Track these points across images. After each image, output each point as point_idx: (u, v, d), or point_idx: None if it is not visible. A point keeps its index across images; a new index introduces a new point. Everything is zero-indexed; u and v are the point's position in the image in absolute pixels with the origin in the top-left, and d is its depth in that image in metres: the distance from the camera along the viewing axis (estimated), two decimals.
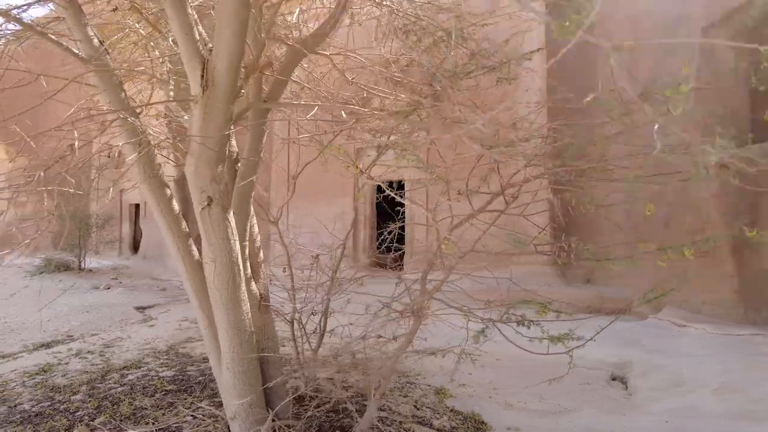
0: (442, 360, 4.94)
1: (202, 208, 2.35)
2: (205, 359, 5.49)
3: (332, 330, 4.07)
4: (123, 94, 2.82)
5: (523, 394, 4.60)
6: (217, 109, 2.19)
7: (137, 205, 17.91)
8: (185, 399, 4.02)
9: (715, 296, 5.79)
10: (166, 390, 4.42)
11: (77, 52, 2.65)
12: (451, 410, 4.12)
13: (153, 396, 4.28)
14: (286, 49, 2.92)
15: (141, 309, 9.29)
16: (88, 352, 6.02)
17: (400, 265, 11.88)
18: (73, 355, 5.91)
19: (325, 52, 3.07)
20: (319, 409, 3.35)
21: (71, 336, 7.11)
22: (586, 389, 4.80)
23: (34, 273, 12.65)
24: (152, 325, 7.57)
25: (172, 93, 3.53)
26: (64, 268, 13.08)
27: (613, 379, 5.24)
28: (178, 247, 2.83)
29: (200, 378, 4.78)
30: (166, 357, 5.68)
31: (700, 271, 6.30)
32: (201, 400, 3.92)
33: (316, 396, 3.30)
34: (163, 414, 3.66)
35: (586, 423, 3.92)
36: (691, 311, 6.52)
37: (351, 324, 4.27)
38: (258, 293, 3.03)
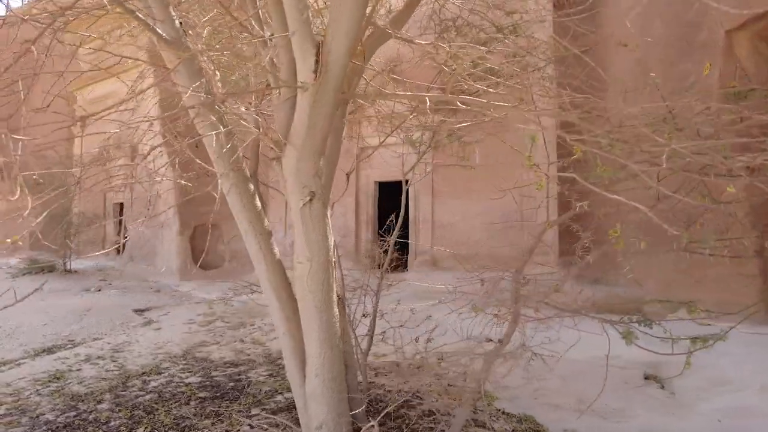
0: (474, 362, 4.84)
1: (303, 204, 2.17)
2: (228, 364, 5.26)
3: (384, 332, 3.93)
4: (204, 80, 2.61)
5: (564, 395, 4.54)
6: (328, 97, 2.02)
7: (121, 204, 17.28)
8: (228, 407, 3.79)
9: (737, 297, 5.85)
10: (199, 397, 4.19)
11: (161, 33, 2.43)
12: (503, 413, 4.02)
13: (188, 404, 4.04)
14: (369, 33, 2.75)
15: (139, 311, 8.91)
16: (98, 357, 5.69)
17: (398, 265, 11.76)
18: (82, 360, 5.58)
19: (405, 36, 2.91)
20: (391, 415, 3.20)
21: (72, 341, 6.73)
22: (626, 389, 4.76)
23: (16, 274, 12.02)
24: (158, 329, 7.24)
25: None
26: (49, 269, 12.47)
27: (646, 378, 5.23)
28: (259, 246, 2.64)
29: (231, 384, 4.55)
30: (184, 362, 5.41)
31: (719, 271, 6.37)
32: (249, 408, 3.71)
33: (382, 402, 3.15)
34: (213, 424, 3.43)
35: (641, 424, 3.88)
36: (711, 311, 6.57)
37: (401, 326, 4.13)
38: (336, 293, 2.86)
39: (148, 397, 4.28)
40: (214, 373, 4.94)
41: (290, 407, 3.59)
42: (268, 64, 2.77)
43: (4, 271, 13.13)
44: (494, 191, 10.16)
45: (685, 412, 4.14)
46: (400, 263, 11.30)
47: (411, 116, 4.61)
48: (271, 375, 4.76)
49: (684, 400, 4.39)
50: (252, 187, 2.74)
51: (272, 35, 2.61)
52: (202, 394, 4.27)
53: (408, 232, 12.24)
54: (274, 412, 3.47)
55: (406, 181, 11.30)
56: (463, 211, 10.28)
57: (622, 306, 8.18)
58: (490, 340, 3.86)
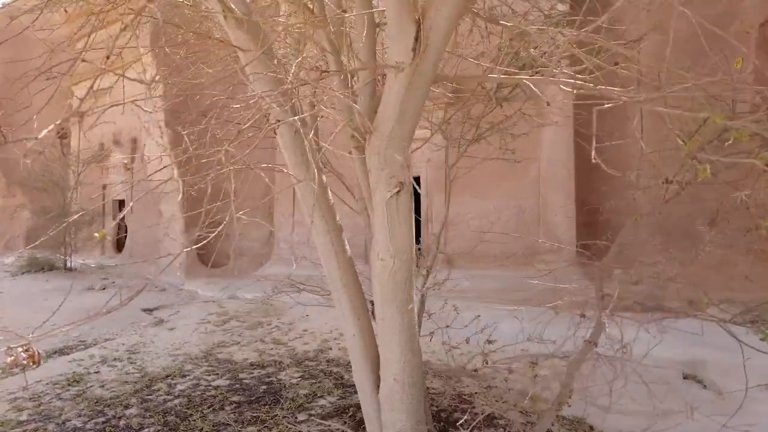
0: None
1: (390, 196, 1.98)
2: (253, 365, 5.05)
3: (431, 333, 3.74)
4: (276, 62, 2.40)
5: (607, 395, 4.39)
6: (424, 78, 1.82)
7: (120, 201, 16.94)
8: (269, 412, 3.59)
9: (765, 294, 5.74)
10: (233, 401, 3.98)
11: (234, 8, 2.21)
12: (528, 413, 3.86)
13: (222, 409, 3.83)
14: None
15: (148, 311, 8.67)
16: (115, 359, 5.46)
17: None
18: (99, 362, 5.34)
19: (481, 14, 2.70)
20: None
21: (84, 341, 6.49)
22: (669, 389, 4.62)
23: (16, 273, 11.69)
24: (172, 329, 7.00)
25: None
26: (49, 267, 12.15)
27: (685, 378, 5.10)
28: (331, 242, 2.44)
29: (263, 387, 4.34)
30: (207, 363, 5.20)
31: (746, 269, 6.25)
32: (293, 413, 3.51)
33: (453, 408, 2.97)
34: (259, 430, 3.23)
35: (700, 426, 3.73)
36: (738, 310, 6.47)
37: (447, 326, 3.94)
38: None
39: (177, 401, 4.06)
40: (241, 375, 4.73)
41: (339, 412, 3.40)
42: (327, 45, 2.57)
43: (1, 270, 12.79)
44: (509, 188, 10.02)
45: (740, 414, 4.00)
46: None
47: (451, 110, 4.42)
48: (303, 377, 4.56)
49: (735, 401, 4.25)
50: (325, 179, 2.55)
51: (341, 12, 2.41)
52: (234, 398, 4.06)
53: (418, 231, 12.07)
54: (323, 417, 3.28)
55: (416, 179, 11.13)
56: (477, 209, 10.12)
57: (644, 304, 8.05)
58: (540, 340, 3.70)
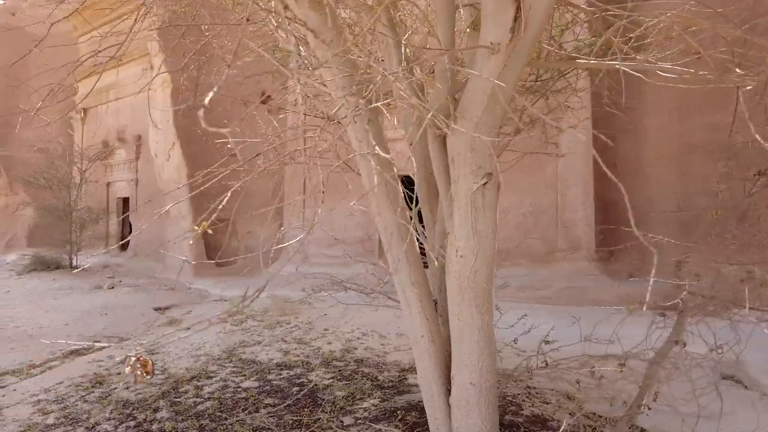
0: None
1: (476, 188, 1.84)
2: (280, 366, 4.90)
3: None
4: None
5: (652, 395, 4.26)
6: (520, 60, 1.68)
7: (125, 199, 16.74)
8: (311, 414, 3.44)
9: None
10: (267, 404, 3.83)
11: None
12: (600, 416, 3.72)
13: (257, 412, 3.68)
14: None
15: (160, 310, 8.51)
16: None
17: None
18: (119, 363, 5.18)
19: None
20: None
21: (98, 341, 6.33)
22: (710, 389, 4.50)
23: (21, 272, 11.50)
24: (188, 328, 6.85)
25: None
26: (55, 266, 11.97)
27: (723, 378, 4.97)
28: (402, 237, 2.29)
29: (294, 388, 4.19)
30: (231, 364, 5.05)
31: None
32: (337, 416, 3.36)
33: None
34: None
35: (746, 426, 3.61)
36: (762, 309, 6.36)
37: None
38: None
39: (207, 404, 3.91)
40: (269, 377, 4.58)
41: (386, 415, 3.25)
42: (386, 26, 2.43)
43: (5, 269, 12.60)
44: (525, 185, 9.87)
45: None
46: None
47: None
48: (335, 378, 4.42)
49: None
50: (395, 170, 2.40)
51: None
52: (268, 401, 3.92)
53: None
54: (371, 421, 3.14)
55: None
56: None
57: (665, 302, 7.92)
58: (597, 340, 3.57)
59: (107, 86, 17.18)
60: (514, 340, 3.56)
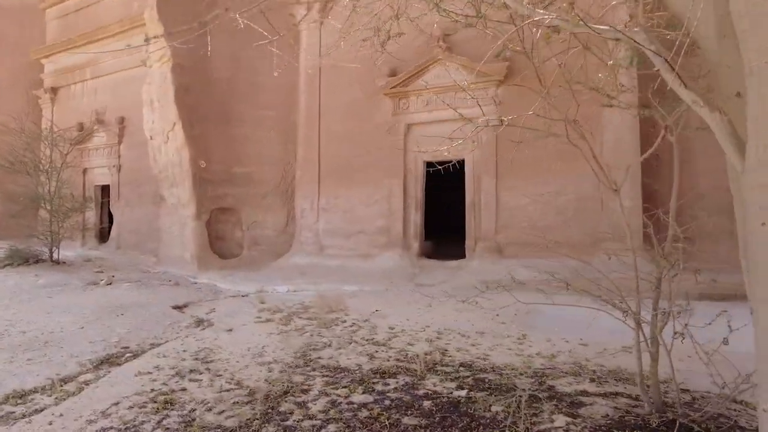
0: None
1: None
2: (377, 372, 4.13)
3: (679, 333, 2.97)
4: None
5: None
6: None
7: (104, 187, 15.22)
8: None
9: None
10: (411, 425, 3.08)
11: None
12: None
13: None
14: None
15: (179, 308, 7.49)
16: (192, 370, 4.40)
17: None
18: (173, 375, 4.28)
19: None
20: None
21: (127, 347, 5.34)
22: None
23: None
24: (229, 330, 5.94)
25: None
26: (34, 259, 10.58)
27: None
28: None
29: (425, 403, 3.44)
30: (317, 373, 4.24)
31: None
32: None
33: None
34: None
35: None
36: None
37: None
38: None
39: (331, 428, 3.12)
40: (377, 387, 3.82)
41: None
42: None
43: None
44: (567, 171, 9.31)
45: None
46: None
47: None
48: (459, 386, 3.70)
49: None
50: None
51: None
52: (407, 421, 3.16)
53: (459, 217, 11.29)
54: None
55: (459, 163, 10.27)
56: (531, 194, 9.44)
57: (721, 293, 7.62)
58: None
59: (82, 64, 15.54)
60: (724, 341, 2.96)
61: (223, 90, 11.14)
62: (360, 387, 3.83)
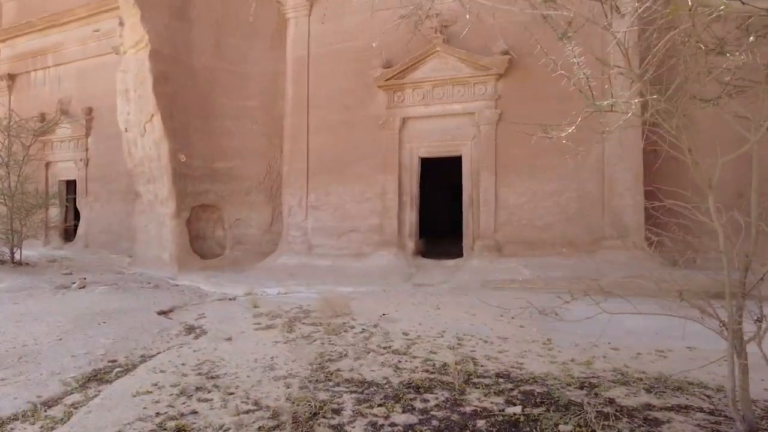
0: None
1: None
2: (411, 386, 3.75)
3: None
4: None
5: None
6: None
7: (69, 182, 14.18)
8: None
9: None
10: None
11: None
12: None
13: None
14: None
15: (164, 314, 6.87)
16: (198, 388, 3.88)
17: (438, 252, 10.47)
18: (177, 395, 3.75)
19: None
20: None
21: (115, 360, 4.76)
22: None
23: None
24: (229, 338, 5.41)
25: None
26: None
27: None
28: None
29: (478, 422, 3.08)
30: (342, 389, 3.82)
31: None
32: None
33: None
34: None
35: None
36: None
37: None
38: None
39: None
40: (417, 405, 3.43)
41: None
42: None
43: None
44: (569, 169, 9.13)
45: None
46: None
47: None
48: (509, 403, 3.35)
49: None
50: None
51: None
52: None
53: (456, 214, 10.98)
54: None
55: (458, 158, 9.97)
56: (531, 191, 9.22)
57: (717, 291, 7.58)
58: None
59: (43, 49, 14.42)
60: None
61: (205, 79, 10.45)
62: (397, 405, 3.43)
